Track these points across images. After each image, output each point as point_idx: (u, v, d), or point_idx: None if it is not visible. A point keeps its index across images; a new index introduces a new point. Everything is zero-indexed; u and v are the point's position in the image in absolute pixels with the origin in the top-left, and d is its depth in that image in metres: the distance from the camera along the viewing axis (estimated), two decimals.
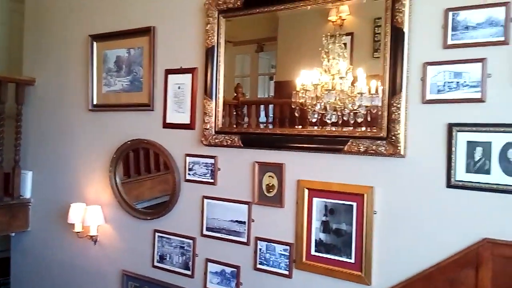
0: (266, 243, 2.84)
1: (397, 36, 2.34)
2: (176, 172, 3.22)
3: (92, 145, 3.77)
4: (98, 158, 3.70)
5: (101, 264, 3.70)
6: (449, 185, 2.25)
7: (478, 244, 2.17)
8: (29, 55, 4.28)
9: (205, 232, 3.10)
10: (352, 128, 2.50)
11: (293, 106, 2.64)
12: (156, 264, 3.36)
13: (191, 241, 3.17)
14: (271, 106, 2.91)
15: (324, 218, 2.62)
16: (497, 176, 2.13)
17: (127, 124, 3.53)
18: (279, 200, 2.78)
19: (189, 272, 3.18)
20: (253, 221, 2.89)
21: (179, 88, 3.23)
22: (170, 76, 3.27)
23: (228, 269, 3.00)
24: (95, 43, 3.70)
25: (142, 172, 3.58)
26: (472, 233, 2.19)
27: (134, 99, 3.47)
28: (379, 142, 2.39)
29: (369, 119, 2.45)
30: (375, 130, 2.43)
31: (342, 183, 2.56)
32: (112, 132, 3.63)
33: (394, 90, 2.35)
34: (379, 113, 2.41)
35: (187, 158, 3.17)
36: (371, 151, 2.41)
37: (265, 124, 2.90)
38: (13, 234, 4.23)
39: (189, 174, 3.17)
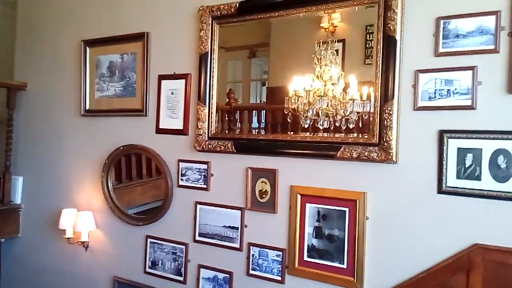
0: (259, 248, 2.84)
1: (389, 43, 2.37)
2: (169, 177, 3.21)
3: (84, 150, 3.75)
4: (90, 163, 3.68)
5: (92, 270, 3.67)
6: (440, 191, 2.27)
7: (469, 249, 2.19)
8: (21, 60, 4.25)
9: (197, 238, 3.09)
10: (344, 134, 2.52)
11: (285, 112, 2.65)
12: (148, 270, 3.34)
13: (183, 246, 3.16)
14: (263, 112, 2.92)
15: (316, 224, 2.63)
16: (487, 182, 2.16)
17: (120, 129, 3.52)
18: (272, 206, 2.78)
19: (181, 278, 3.17)
20: (246, 226, 2.90)
21: (172, 93, 3.23)
22: (163, 82, 3.27)
23: (221, 275, 3.00)
24: (88, 48, 3.69)
25: (134, 177, 3.57)
26: (463, 239, 2.21)
27: (127, 105, 3.46)
28: (371, 148, 2.41)
29: (360, 125, 2.47)
30: (367, 137, 2.45)
31: (334, 189, 2.58)
32: (104, 138, 3.61)
33: (386, 96, 2.37)
34: (371, 119, 2.43)
35: (180, 163, 3.17)
36: (364, 157, 2.43)
37: (257, 130, 2.91)
38: (3, 240, 4.17)
39: (182, 179, 3.17)
